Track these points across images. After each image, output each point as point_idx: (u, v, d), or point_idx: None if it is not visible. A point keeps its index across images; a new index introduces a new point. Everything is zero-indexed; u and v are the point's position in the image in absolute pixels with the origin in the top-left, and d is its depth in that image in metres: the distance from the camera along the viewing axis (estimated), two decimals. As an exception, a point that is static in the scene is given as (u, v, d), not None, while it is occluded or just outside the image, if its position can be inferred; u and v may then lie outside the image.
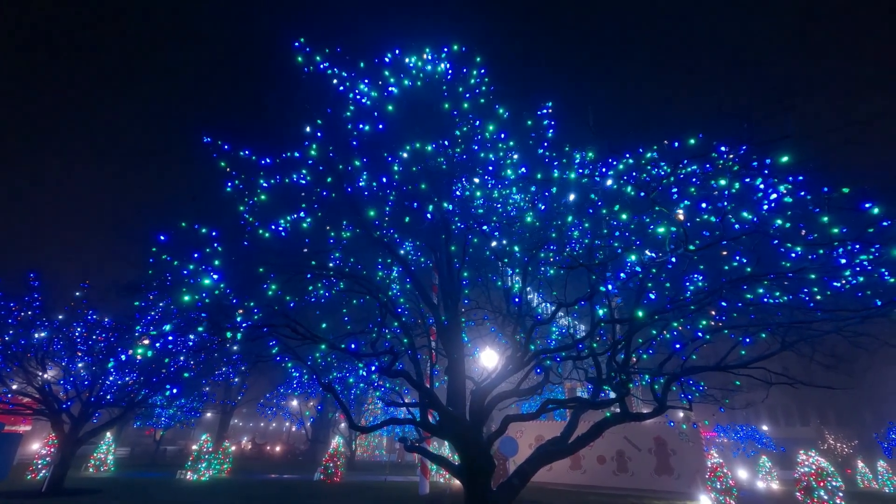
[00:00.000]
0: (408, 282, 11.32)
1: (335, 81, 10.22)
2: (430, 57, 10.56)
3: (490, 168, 10.72)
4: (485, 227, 10.48)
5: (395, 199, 10.74)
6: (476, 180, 10.77)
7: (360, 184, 10.43)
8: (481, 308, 11.45)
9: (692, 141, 7.57)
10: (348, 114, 10.23)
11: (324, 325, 10.01)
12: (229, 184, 9.33)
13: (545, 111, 10.73)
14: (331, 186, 9.76)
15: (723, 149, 7.44)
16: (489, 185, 10.88)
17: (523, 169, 10.52)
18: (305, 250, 9.67)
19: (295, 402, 32.48)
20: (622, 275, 9.67)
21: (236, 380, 29.07)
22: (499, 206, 10.98)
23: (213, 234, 8.59)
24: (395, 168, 10.46)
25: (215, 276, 8.25)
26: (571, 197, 9.62)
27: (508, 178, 10.54)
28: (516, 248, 10.25)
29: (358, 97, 10.41)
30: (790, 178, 7.53)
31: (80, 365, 14.51)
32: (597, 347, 9.10)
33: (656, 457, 18.94)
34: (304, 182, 9.84)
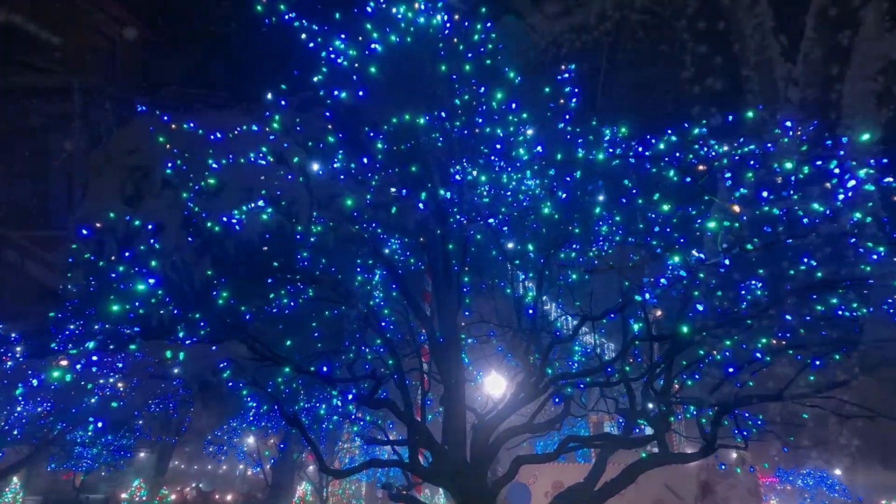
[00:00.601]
0: (393, 288, 11.32)
1: (304, 36, 10.20)
2: (422, 6, 10.54)
3: (497, 146, 10.72)
4: (491, 221, 10.50)
5: (378, 185, 10.74)
6: (480, 161, 10.78)
7: (335, 165, 10.41)
8: (485, 322, 11.48)
9: (751, 114, 7.62)
10: (320, 77, 10.21)
11: (288, 343, 10.03)
12: (170, 164, 9.34)
13: (567, 76, 10.75)
14: (297, 169, 9.77)
15: (788, 124, 7.48)
16: (496, 168, 10.89)
17: (539, 148, 10.54)
18: (265, 248, 9.66)
19: (251, 440, 32.48)
20: (662, 281, 9.72)
21: (176, 412, 29.05)
22: (509, 194, 10.99)
23: (150, 227, 8.60)
24: (379, 146, 10.46)
25: (152, 281, 8.23)
26: (600, 183, 9.65)
27: (521, 160, 10.55)
28: (530, 247, 10.28)
29: (333, 56, 10.40)
30: (872, 161, 7.57)
31: (-22, 392, 14.47)
32: (630, 371, 9.15)
33: (703, 508, 19.04)
34: (264, 163, 9.82)
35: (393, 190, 10.70)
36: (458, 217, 10.54)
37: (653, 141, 8.98)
